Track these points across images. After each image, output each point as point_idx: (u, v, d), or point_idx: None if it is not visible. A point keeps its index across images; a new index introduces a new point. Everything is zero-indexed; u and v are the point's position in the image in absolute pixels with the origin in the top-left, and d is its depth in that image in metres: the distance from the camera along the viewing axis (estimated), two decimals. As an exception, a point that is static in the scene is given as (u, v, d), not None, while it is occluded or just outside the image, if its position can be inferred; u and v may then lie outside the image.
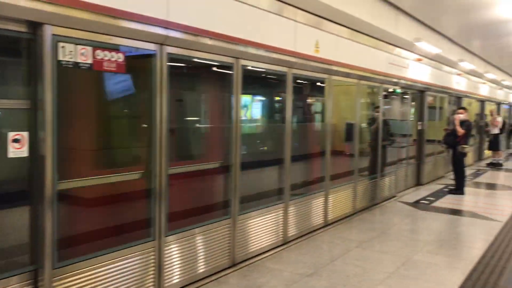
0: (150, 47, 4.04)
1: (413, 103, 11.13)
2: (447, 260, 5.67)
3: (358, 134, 8.00)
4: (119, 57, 3.79)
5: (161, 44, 4.11)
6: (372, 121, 9.00)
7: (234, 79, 5.07)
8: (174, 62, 4.40)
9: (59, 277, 3.45)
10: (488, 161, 16.43)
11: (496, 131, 15.99)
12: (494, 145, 16.27)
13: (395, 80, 9.11)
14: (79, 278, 3.59)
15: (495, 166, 15.61)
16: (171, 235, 4.42)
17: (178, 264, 4.52)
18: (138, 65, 4.18)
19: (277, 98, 6.87)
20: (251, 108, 6.57)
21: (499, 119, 16.13)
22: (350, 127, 8.12)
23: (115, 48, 3.75)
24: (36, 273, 3.39)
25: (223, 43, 4.72)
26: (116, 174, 4.18)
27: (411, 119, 11.15)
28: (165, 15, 4.01)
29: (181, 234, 4.54)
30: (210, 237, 4.90)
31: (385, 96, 9.31)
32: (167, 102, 4.20)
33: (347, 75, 7.35)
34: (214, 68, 5.23)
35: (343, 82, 7.46)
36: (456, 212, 8.50)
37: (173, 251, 4.45)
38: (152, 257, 4.21)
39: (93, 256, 3.70)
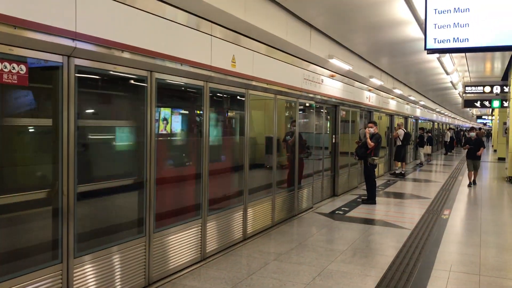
0: (56, 58, 3.83)
1: (328, 117, 11.58)
2: (360, 269, 5.89)
3: (277, 147, 8.16)
4: (21, 68, 3.56)
5: (69, 56, 3.92)
6: (290, 134, 9.22)
7: (148, 92, 4.96)
8: (84, 74, 4.21)
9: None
10: (393, 171, 17.54)
11: (398, 142, 17.12)
12: (395, 156, 17.40)
13: (310, 95, 9.43)
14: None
15: (397, 175, 16.62)
16: (81, 256, 4.18)
17: (89, 287, 4.28)
18: (43, 77, 3.95)
19: (197, 112, 6.82)
20: (171, 122, 6.45)
21: (399, 132, 17.23)
22: (269, 141, 8.27)
23: (16, 59, 3.51)
24: None
25: (136, 56, 4.61)
26: (18, 194, 3.88)
27: (327, 132, 11.59)
28: (72, 26, 3.83)
29: (93, 255, 4.32)
30: (124, 257, 4.71)
31: (302, 110, 9.60)
32: (74, 116, 4.00)
33: (264, 90, 7.48)
34: (128, 81, 5.08)
35: (261, 96, 7.58)
36: (368, 221, 8.91)
37: (84, 273, 4.22)
38: (59, 281, 3.96)
39: (-10, 284, 3.41)
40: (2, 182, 3.83)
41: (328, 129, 11.73)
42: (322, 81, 10.08)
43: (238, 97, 7.15)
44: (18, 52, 3.53)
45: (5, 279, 3.51)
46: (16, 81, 3.53)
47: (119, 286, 4.65)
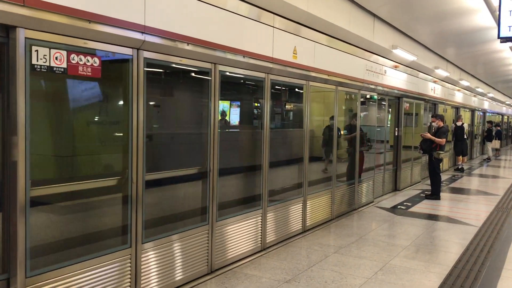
0: (127, 51, 3.99)
1: (389, 109, 11.28)
2: (423, 265, 5.73)
3: (336, 141, 8.07)
4: (95, 61, 3.73)
5: (138, 49, 4.07)
6: (349, 127, 9.07)
7: (212, 85, 5.05)
8: (151, 67, 4.36)
9: (31, 286, 3.36)
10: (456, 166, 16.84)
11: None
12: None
13: (373, 86, 9.22)
14: (53, 287, 3.50)
15: (460, 171, 15.96)
16: (148, 242, 4.35)
17: (155, 271, 4.45)
18: (114, 69, 4.13)
19: (255, 104, 6.87)
20: (229, 114, 6.55)
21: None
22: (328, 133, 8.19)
23: (90, 52, 3.69)
24: (8, 282, 3.30)
25: (201, 49, 4.70)
26: (91, 181, 4.10)
27: (388, 125, 11.30)
28: (141, 20, 3.97)
29: (159, 241, 4.48)
30: (188, 244, 4.85)
31: (363, 102, 9.41)
32: (143, 108, 4.15)
33: (325, 81, 7.40)
34: (192, 74, 5.21)
35: (320, 88, 7.51)
36: (432, 217, 8.62)
37: (150, 258, 4.39)
38: (128, 264, 4.14)
39: (67, 264, 3.62)
40: (78, 169, 4.06)
41: (389, 122, 11.43)
42: (385, 72, 9.83)
43: (298, 89, 7.12)
44: (92, 45, 3.70)
45: (80, 260, 3.72)
46: (90, 73, 3.71)
47: (184, 272, 4.80)
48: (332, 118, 8.21)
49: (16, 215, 3.26)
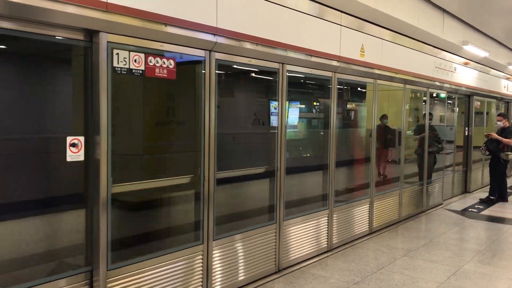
0: (200, 53, 4.09)
1: (457, 108, 10.78)
2: (500, 271, 5.44)
3: (404, 140, 7.85)
4: (170, 63, 3.86)
5: (210, 51, 4.16)
6: (418, 128, 8.80)
7: (279, 85, 5.07)
8: (222, 68, 4.44)
9: (112, 278, 3.52)
10: None
11: None
12: None
13: (441, 84, 8.89)
14: (131, 280, 3.65)
15: None
16: (219, 239, 4.44)
17: (225, 268, 4.53)
18: (188, 71, 4.25)
19: (314, 103, 6.83)
20: (287, 114, 6.54)
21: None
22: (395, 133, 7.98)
23: (166, 55, 3.81)
24: (91, 274, 3.48)
25: (269, 49, 4.74)
26: (166, 179, 4.24)
27: (454, 125, 10.81)
28: (214, 22, 4.05)
29: (229, 238, 4.56)
30: (256, 242, 4.89)
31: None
32: (215, 108, 4.24)
33: (391, 79, 7.22)
34: (259, 74, 5.25)
35: (387, 86, 7.33)
36: (507, 221, 8.17)
37: (221, 255, 4.47)
38: (200, 260, 4.24)
39: (144, 259, 3.76)
40: (154, 167, 4.21)
41: (455, 121, 10.93)
42: (455, 69, 9.43)
43: (363, 88, 6.99)
44: (168, 48, 3.82)
45: (157, 255, 3.85)
46: (166, 75, 3.84)
47: (252, 270, 4.85)
48: (382, 117, 7.89)
49: (99, 211, 3.43)
